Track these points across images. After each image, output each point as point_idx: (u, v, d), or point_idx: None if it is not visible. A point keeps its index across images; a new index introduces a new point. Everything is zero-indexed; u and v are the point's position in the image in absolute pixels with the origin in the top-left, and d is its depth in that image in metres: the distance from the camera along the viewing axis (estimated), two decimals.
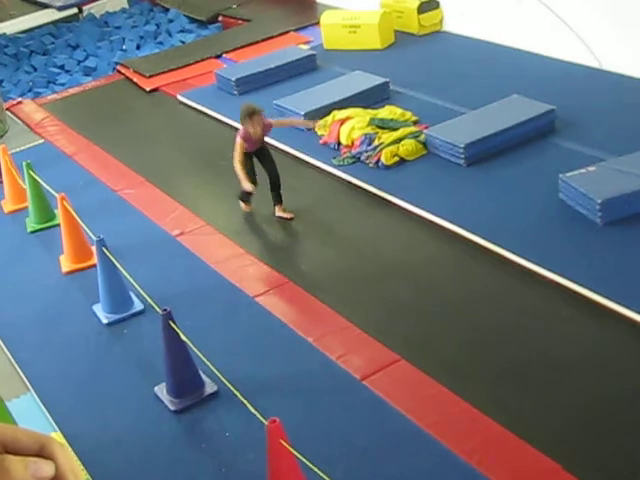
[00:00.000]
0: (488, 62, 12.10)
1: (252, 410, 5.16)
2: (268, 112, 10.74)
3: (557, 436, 5.82)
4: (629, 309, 6.76)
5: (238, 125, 10.55)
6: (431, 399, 6.27)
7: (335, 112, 10.58)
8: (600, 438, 5.76)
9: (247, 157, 8.99)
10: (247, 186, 8.72)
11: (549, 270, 7.40)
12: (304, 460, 4.89)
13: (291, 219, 9.04)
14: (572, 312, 6.99)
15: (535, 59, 11.87)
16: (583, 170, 8.35)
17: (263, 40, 14.66)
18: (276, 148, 10.52)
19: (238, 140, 8.80)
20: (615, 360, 6.42)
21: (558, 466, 5.54)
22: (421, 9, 13.53)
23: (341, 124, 10.23)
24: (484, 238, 8.01)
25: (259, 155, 9.07)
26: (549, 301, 7.15)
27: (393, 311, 7.36)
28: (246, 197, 9.21)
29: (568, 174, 8.31)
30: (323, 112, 10.72)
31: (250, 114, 8.68)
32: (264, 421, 5.03)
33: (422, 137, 9.78)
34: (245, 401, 5.27)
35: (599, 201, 7.84)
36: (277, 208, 9.14)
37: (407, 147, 9.66)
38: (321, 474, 4.80)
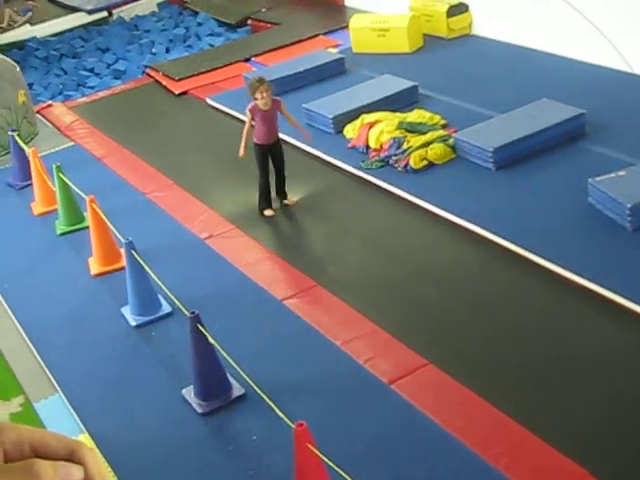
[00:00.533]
0: (517, 65, 12.06)
1: (279, 413, 5.16)
2: (297, 115, 10.77)
3: (584, 440, 5.79)
4: None
5: None
6: (458, 403, 6.25)
7: (364, 116, 10.58)
8: (629, 443, 5.73)
9: (262, 153, 9.19)
10: (241, 152, 9.09)
11: (577, 274, 7.36)
12: (331, 464, 4.89)
13: (294, 204, 9.39)
14: (599, 316, 6.95)
15: (565, 62, 11.82)
16: (613, 174, 8.31)
17: (292, 44, 14.68)
18: (303, 151, 10.55)
19: (247, 113, 9.06)
20: (635, 360, 6.39)
21: (585, 471, 5.51)
22: (450, 13, 13.51)
23: (370, 128, 10.23)
24: (512, 242, 7.99)
25: (273, 153, 9.21)
26: (576, 305, 7.12)
27: (421, 314, 7.35)
28: (264, 204, 9.31)
29: (597, 178, 8.27)
30: (352, 116, 10.72)
31: (257, 84, 8.87)
32: (291, 424, 5.03)
33: (451, 141, 9.76)
34: (272, 404, 5.27)
35: (629, 206, 7.79)
36: (285, 200, 9.46)
37: (436, 151, 9.64)
38: (348, 478, 4.80)
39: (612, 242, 7.76)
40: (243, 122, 11.05)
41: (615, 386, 6.20)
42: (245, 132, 9.17)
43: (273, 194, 9.40)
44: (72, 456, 1.64)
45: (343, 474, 4.82)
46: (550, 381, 6.36)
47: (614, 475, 5.48)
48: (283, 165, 9.35)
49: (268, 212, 9.35)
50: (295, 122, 9.42)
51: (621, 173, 8.31)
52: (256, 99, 8.91)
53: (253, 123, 9.12)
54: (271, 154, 9.24)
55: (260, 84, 8.90)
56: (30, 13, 19.51)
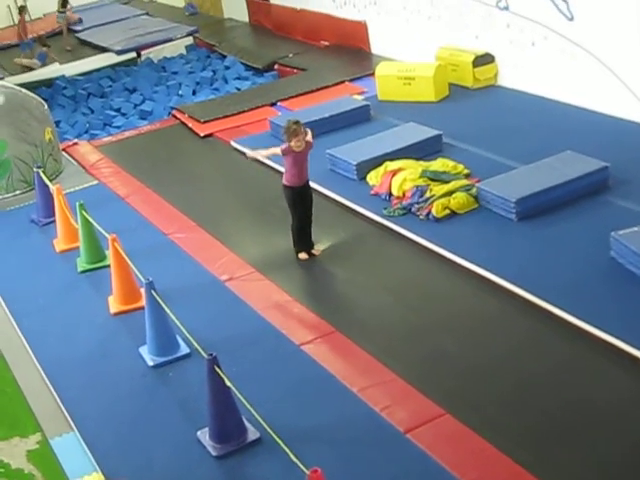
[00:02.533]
0: (542, 117, 12.08)
1: (294, 459, 5.13)
2: (321, 161, 10.82)
3: None
4: None
5: None
6: (474, 454, 6.19)
7: (387, 163, 10.60)
8: None
9: (293, 195, 9.15)
10: (251, 153, 9.73)
11: (597, 328, 7.30)
12: None
13: (317, 254, 9.36)
14: (619, 371, 6.89)
15: (589, 115, 11.83)
16: (636, 228, 8.28)
17: (318, 89, 14.77)
18: (326, 197, 10.57)
19: (279, 151, 8.97)
20: None
21: None
22: (476, 63, 13.57)
23: (393, 175, 10.24)
24: (533, 294, 7.95)
25: (303, 196, 9.17)
26: (596, 359, 7.06)
27: (439, 364, 7.31)
28: (300, 246, 9.32)
29: (620, 232, 8.24)
30: (375, 163, 10.75)
31: (295, 126, 8.84)
32: (306, 470, 4.99)
33: (474, 190, 9.76)
34: (287, 449, 5.24)
35: None
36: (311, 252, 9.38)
37: (458, 200, 9.64)
38: None
39: (634, 296, 7.70)
40: (267, 167, 11.12)
41: (633, 439, 6.14)
42: (268, 155, 9.65)
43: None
44: None
45: None
46: (569, 435, 6.29)
47: None
48: (311, 208, 9.30)
49: (302, 255, 9.34)
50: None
51: None
52: (291, 142, 8.84)
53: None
54: (301, 197, 9.18)
55: (299, 127, 8.84)
56: (45, 59, 19.76)
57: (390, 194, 10.12)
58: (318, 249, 9.44)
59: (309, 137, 9.06)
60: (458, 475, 5.99)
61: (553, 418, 6.48)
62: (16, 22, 22.66)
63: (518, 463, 6.01)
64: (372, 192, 10.37)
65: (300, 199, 9.19)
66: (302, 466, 5.06)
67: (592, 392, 6.71)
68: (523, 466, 5.97)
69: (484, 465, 6.08)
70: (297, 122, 8.94)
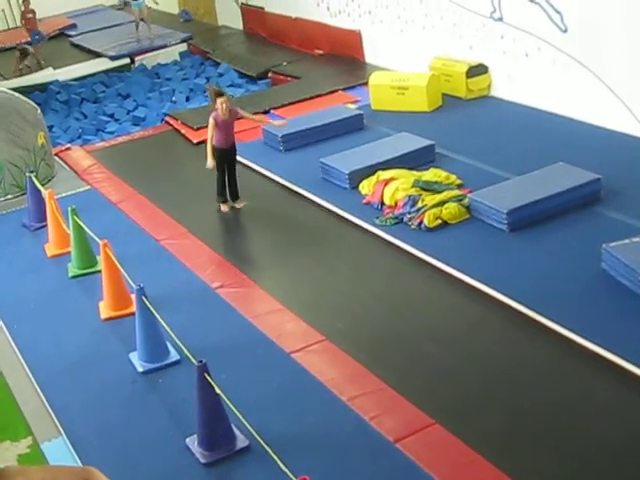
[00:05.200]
0: (535, 128, 12.11)
1: (282, 467, 5.12)
2: (313, 169, 10.85)
3: None
4: None
5: (285, 182, 10.68)
6: (464, 465, 6.19)
7: (380, 172, 10.62)
8: None
9: (220, 155, 10.52)
10: (210, 163, 10.47)
11: (589, 340, 7.32)
12: None
13: (239, 207, 10.70)
14: (612, 384, 6.90)
15: (582, 127, 11.87)
16: (627, 241, 8.30)
17: (311, 98, 14.78)
18: (319, 205, 10.58)
19: (210, 120, 10.38)
20: None
21: None
22: (469, 73, 13.60)
23: (385, 185, 10.25)
24: (524, 305, 7.96)
25: (227, 155, 10.60)
26: (588, 372, 7.07)
27: (429, 374, 7.31)
28: (221, 199, 10.72)
29: (611, 244, 8.26)
30: (368, 172, 10.76)
31: (217, 95, 10.32)
32: (294, 479, 4.99)
33: (466, 201, 9.77)
34: (276, 458, 5.24)
35: None
36: (234, 203, 10.81)
37: (450, 210, 9.65)
38: None
39: (624, 308, 7.72)
40: (260, 174, 11.13)
41: (626, 454, 6.15)
42: (209, 141, 10.50)
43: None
44: None
45: None
46: (561, 448, 6.30)
47: None
48: (234, 166, 10.81)
49: (224, 207, 10.66)
50: (261, 119, 10.86)
51: (635, 240, 8.31)
52: (217, 108, 10.26)
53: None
54: (225, 155, 10.56)
55: (219, 89, 10.55)
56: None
57: (382, 203, 10.13)
58: (240, 203, 10.68)
59: (237, 110, 10.58)
60: None
61: (544, 429, 6.48)
62: (9, 25, 22.62)
63: (508, 474, 6.01)
64: (364, 201, 10.38)
65: (225, 158, 10.61)
66: (291, 474, 5.05)
67: (587, 407, 6.71)
68: (513, 477, 5.97)
69: (473, 476, 6.08)
70: (219, 89, 10.64)
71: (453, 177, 10.47)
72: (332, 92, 14.93)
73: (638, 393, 6.73)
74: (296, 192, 11.06)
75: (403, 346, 7.74)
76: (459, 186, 10.31)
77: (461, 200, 9.79)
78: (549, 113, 12.49)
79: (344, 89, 15.04)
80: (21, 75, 19.70)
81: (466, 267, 8.70)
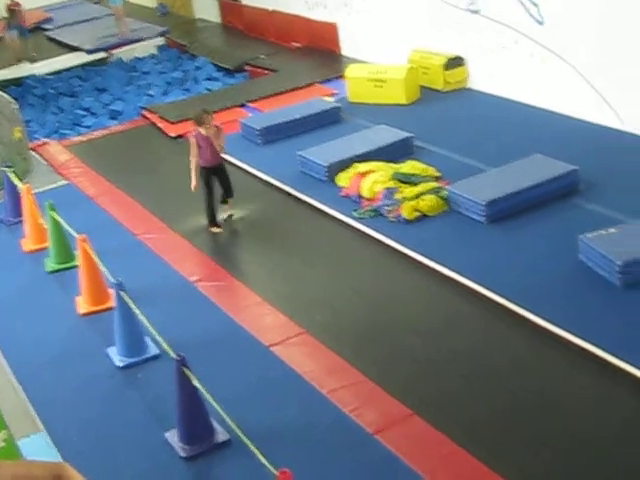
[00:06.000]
0: (512, 120, 12.13)
1: (262, 460, 5.12)
2: (291, 162, 10.84)
3: None
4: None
5: (263, 175, 10.66)
6: (443, 456, 6.21)
7: (357, 165, 10.61)
8: None
9: (207, 174, 10.00)
10: (194, 184, 10.01)
11: (567, 331, 7.35)
12: None
13: (230, 216, 10.26)
14: (591, 374, 6.93)
15: (559, 119, 11.90)
16: (603, 231, 8.34)
17: (288, 91, 14.76)
18: (297, 198, 10.57)
19: (192, 140, 10.01)
20: (630, 422, 6.36)
21: None
22: (447, 66, 13.61)
23: (363, 177, 10.26)
24: (503, 297, 7.98)
25: (218, 173, 10.09)
26: (567, 362, 7.09)
27: (409, 366, 7.32)
28: (213, 220, 10.13)
29: (588, 235, 8.30)
30: (346, 164, 10.76)
31: (206, 115, 9.92)
32: (274, 471, 4.99)
33: (444, 193, 9.79)
34: (256, 451, 5.24)
35: (619, 263, 7.81)
36: (225, 210, 10.32)
37: (428, 202, 9.66)
38: None
39: (602, 299, 7.76)
40: (238, 167, 11.09)
41: (604, 445, 6.18)
42: (193, 160, 10.04)
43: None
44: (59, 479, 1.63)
45: None
46: (538, 438, 6.33)
47: None
48: (227, 183, 10.24)
49: (215, 229, 10.11)
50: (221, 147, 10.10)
51: (612, 230, 8.34)
52: (200, 128, 9.86)
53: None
54: (215, 174, 10.10)
55: (206, 115, 9.88)
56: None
57: (360, 196, 10.14)
58: (228, 211, 10.33)
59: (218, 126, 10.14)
60: (426, 476, 6.00)
61: (522, 419, 6.51)
62: None
63: (486, 464, 6.04)
64: (342, 194, 10.38)
65: (214, 175, 10.06)
66: (271, 467, 5.05)
67: (558, 392, 6.74)
68: (491, 467, 6.00)
69: (452, 466, 6.10)
70: (204, 111, 10.06)
71: (431, 169, 10.48)
72: (309, 85, 14.91)
73: (616, 382, 6.76)
74: (274, 185, 11.04)
75: (381, 338, 7.74)
76: (437, 178, 10.32)
77: (439, 192, 9.81)
78: (526, 105, 12.52)
79: (321, 82, 15.03)
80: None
81: (444, 259, 8.72)
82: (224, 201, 10.28)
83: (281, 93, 14.73)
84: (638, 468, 5.94)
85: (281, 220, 9.81)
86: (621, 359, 6.87)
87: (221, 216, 10.20)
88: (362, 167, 10.50)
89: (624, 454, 6.07)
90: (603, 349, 7.03)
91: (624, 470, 5.93)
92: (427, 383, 7.07)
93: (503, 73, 13.03)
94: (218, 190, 10.15)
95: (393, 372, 7.24)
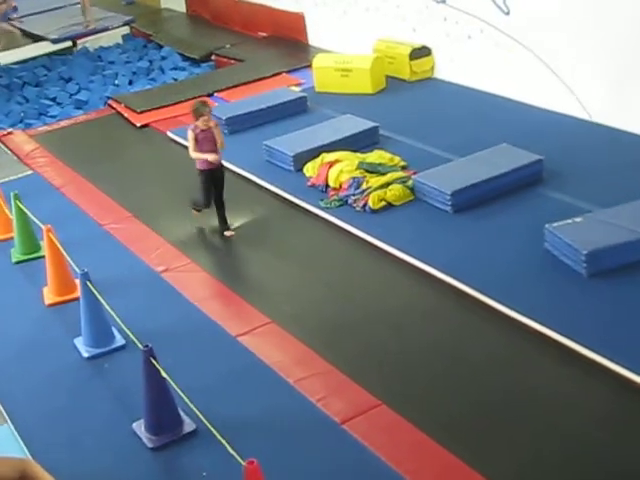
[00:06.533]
0: (478, 110, 12.17)
1: (230, 450, 5.12)
2: (257, 152, 10.82)
3: None
4: (611, 361, 6.76)
5: (229, 164, 10.62)
6: (410, 445, 6.24)
7: (324, 154, 10.62)
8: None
9: (206, 178, 9.49)
10: (212, 158, 9.32)
11: (531, 319, 7.40)
12: None
13: (231, 236, 9.55)
14: (552, 361, 6.98)
15: (525, 109, 11.95)
16: (569, 221, 8.39)
17: (255, 80, 14.72)
18: (263, 188, 10.56)
19: (190, 134, 9.38)
20: (595, 410, 6.41)
21: None
22: (413, 55, 13.63)
23: (329, 167, 10.26)
24: (468, 285, 8.02)
25: (216, 177, 9.50)
26: (530, 349, 7.15)
27: (375, 355, 7.34)
28: (199, 205, 9.77)
29: (554, 224, 8.34)
30: (312, 154, 10.76)
31: (198, 112, 9.28)
32: (242, 462, 4.99)
33: (410, 183, 9.81)
34: (223, 441, 5.24)
35: (585, 252, 7.86)
36: (224, 230, 9.65)
37: (394, 192, 9.68)
38: None
39: (568, 288, 7.81)
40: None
41: (566, 429, 6.22)
42: (195, 153, 9.43)
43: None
44: (24, 475, 1.64)
45: None
46: (503, 425, 6.37)
47: None
48: (222, 190, 9.63)
49: (228, 233, 9.62)
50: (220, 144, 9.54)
51: (577, 220, 8.39)
52: (197, 121, 9.30)
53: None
54: (213, 180, 9.54)
55: (204, 107, 9.33)
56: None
57: (327, 186, 10.14)
58: (231, 232, 9.63)
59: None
60: (394, 465, 6.02)
61: (488, 409, 6.55)
62: None
63: (454, 454, 6.07)
64: (309, 183, 10.38)
65: (212, 179, 9.51)
66: (238, 457, 5.05)
67: (525, 382, 6.79)
68: (459, 457, 6.03)
69: (420, 456, 6.13)
70: (203, 102, 9.60)
71: (397, 159, 10.50)
72: (276, 75, 14.88)
73: (584, 372, 6.81)
74: (240, 174, 11.03)
75: (348, 328, 7.76)
76: (403, 168, 10.34)
77: (405, 182, 9.83)
78: (493, 95, 12.57)
79: (288, 72, 15.00)
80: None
81: (411, 248, 8.74)
82: (222, 227, 9.69)
83: (247, 83, 14.68)
84: (614, 459, 5.99)
85: (247, 210, 9.79)
86: (590, 349, 6.92)
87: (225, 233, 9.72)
88: (329, 157, 10.50)
89: (597, 445, 6.11)
90: (570, 338, 7.08)
91: (600, 462, 5.98)
92: (396, 373, 7.09)
93: (469, 63, 13.06)
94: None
95: (361, 363, 7.25)
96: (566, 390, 6.66)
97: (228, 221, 9.68)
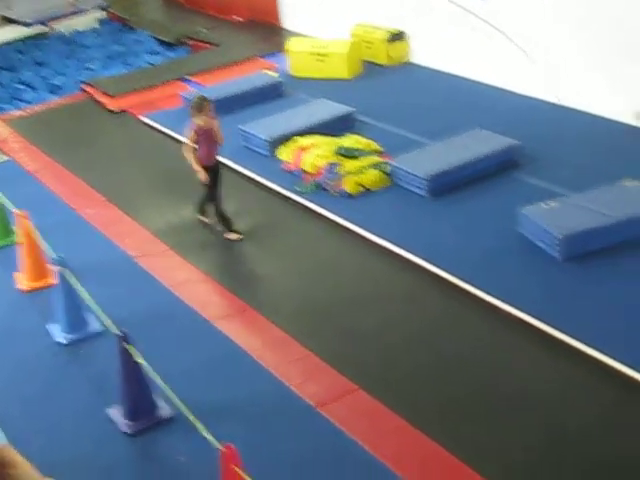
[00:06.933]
0: (454, 95, 12.18)
1: (207, 435, 5.12)
2: (233, 137, 10.77)
3: (517, 470, 5.81)
4: (588, 346, 6.79)
5: None
6: (387, 429, 6.24)
7: (298, 139, 10.59)
8: (554, 471, 5.77)
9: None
10: (202, 176, 8.91)
11: (507, 303, 7.42)
12: None
13: (240, 240, 9.07)
14: (529, 346, 7.00)
15: (501, 94, 11.97)
16: (544, 205, 8.41)
17: (230, 65, 14.67)
18: (238, 172, 10.54)
19: (191, 134, 8.95)
20: (569, 393, 6.43)
21: None
22: (390, 40, 13.61)
23: (304, 152, 10.24)
24: (445, 270, 8.03)
25: (213, 176, 9.10)
26: (507, 333, 7.16)
27: (352, 340, 7.34)
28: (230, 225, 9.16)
29: (529, 208, 8.38)
30: (287, 139, 10.73)
31: (200, 108, 8.89)
32: (219, 446, 4.99)
33: (386, 167, 9.80)
34: (200, 426, 5.23)
35: (559, 237, 7.89)
36: (225, 232, 9.18)
37: (371, 177, 9.68)
38: None
39: (542, 272, 7.84)
40: (179, 142, 10.98)
41: (544, 414, 6.25)
42: (190, 155, 9.01)
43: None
44: (1, 462, 1.64)
45: None
46: (481, 410, 6.39)
47: None
48: (219, 188, 9.24)
49: (233, 236, 9.15)
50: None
51: (552, 204, 8.42)
52: (195, 117, 8.90)
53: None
54: (211, 176, 9.10)
55: (204, 102, 8.94)
56: None
57: (302, 170, 10.12)
58: (238, 235, 9.17)
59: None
60: (370, 449, 6.03)
61: (466, 393, 6.56)
62: None
63: (431, 438, 6.08)
64: (283, 168, 10.36)
65: (211, 178, 9.10)
66: (215, 442, 5.05)
67: (504, 367, 6.81)
68: (439, 442, 6.03)
69: (397, 440, 6.14)
70: (203, 98, 9.10)
71: (373, 144, 10.49)
72: (251, 59, 14.84)
73: (558, 354, 6.84)
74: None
75: (325, 313, 7.75)
76: (379, 153, 10.33)
77: (381, 167, 9.83)
78: (469, 80, 12.58)
79: (263, 56, 14.96)
80: None
81: (387, 233, 8.74)
82: (226, 228, 9.22)
83: (223, 67, 14.64)
84: (598, 446, 6.03)
85: (223, 195, 9.75)
86: (565, 333, 6.94)
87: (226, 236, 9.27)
88: (303, 141, 10.49)
89: (560, 420, 6.15)
90: (543, 321, 7.11)
91: (580, 447, 6.02)
92: (373, 358, 7.09)
93: (446, 48, 13.06)
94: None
95: (337, 347, 7.26)
96: (544, 373, 6.68)
97: (233, 223, 9.22)
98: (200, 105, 8.95)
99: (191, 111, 9.04)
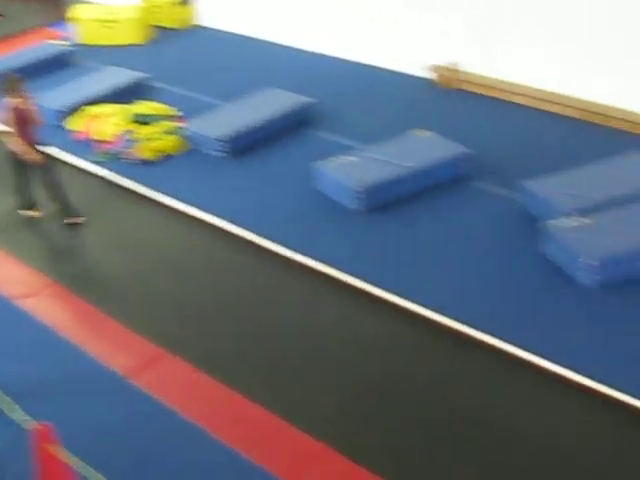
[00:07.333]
0: (246, 55, 12.24)
1: (21, 416, 5.03)
2: None
3: (338, 424, 5.96)
4: (386, 290, 7.08)
5: None
6: (199, 392, 6.29)
7: (87, 108, 10.40)
8: (368, 422, 5.95)
9: (17, 165, 8.67)
10: (36, 157, 8.40)
11: (308, 256, 7.62)
12: (77, 463, 4.80)
13: (80, 223, 8.70)
14: (332, 295, 7.21)
15: (292, 52, 12.09)
16: (337, 159, 8.61)
17: (15, 35, 14.23)
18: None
19: (9, 115, 8.39)
20: (378, 343, 6.64)
21: (327, 447, 5.71)
22: (179, 4, 13.53)
23: (95, 120, 10.08)
24: (249, 230, 8.10)
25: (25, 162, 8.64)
26: (309, 287, 7.35)
27: (158, 306, 7.32)
28: (27, 204, 8.86)
29: (322, 163, 8.56)
30: (78, 108, 10.53)
31: (12, 87, 8.37)
32: (35, 425, 4.90)
33: (182, 131, 9.78)
34: (14, 405, 5.13)
35: (357, 189, 8.10)
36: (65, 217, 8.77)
37: (168, 142, 9.65)
38: (96, 475, 4.74)
39: (338, 224, 8.08)
40: None
41: (351, 368, 6.43)
42: (17, 139, 8.47)
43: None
44: None
45: (92, 471, 4.76)
46: (295, 366, 6.51)
47: (353, 449, 5.68)
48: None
49: (31, 213, 8.85)
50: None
51: (346, 158, 8.62)
52: (14, 99, 8.38)
53: None
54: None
55: (20, 80, 8.44)
56: None
57: (93, 139, 9.96)
58: (39, 211, 8.92)
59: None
60: (187, 413, 6.06)
61: (282, 351, 6.68)
62: None
63: (248, 396, 6.17)
64: (74, 138, 10.17)
65: (20, 160, 8.65)
66: (32, 420, 4.97)
67: (313, 324, 6.95)
68: (253, 399, 6.15)
69: (211, 401, 6.19)
70: (15, 77, 8.57)
71: (168, 109, 10.42)
72: (37, 28, 14.43)
73: (350, 298, 7.13)
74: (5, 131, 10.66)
75: (133, 282, 7.70)
76: (175, 117, 10.28)
77: (177, 131, 9.79)
78: (259, 40, 12.65)
79: (50, 25, 14.58)
80: None
81: (187, 196, 8.74)
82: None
83: (7, 38, 14.18)
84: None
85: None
86: (368, 282, 7.18)
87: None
88: (93, 110, 10.31)
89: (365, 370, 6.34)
90: (345, 271, 7.33)
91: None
92: (177, 321, 7.11)
93: (235, 9, 13.06)
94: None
95: (145, 314, 7.23)
96: (360, 324, 6.91)
97: (34, 201, 8.86)
98: (12, 85, 8.43)
99: (3, 92, 8.53)
